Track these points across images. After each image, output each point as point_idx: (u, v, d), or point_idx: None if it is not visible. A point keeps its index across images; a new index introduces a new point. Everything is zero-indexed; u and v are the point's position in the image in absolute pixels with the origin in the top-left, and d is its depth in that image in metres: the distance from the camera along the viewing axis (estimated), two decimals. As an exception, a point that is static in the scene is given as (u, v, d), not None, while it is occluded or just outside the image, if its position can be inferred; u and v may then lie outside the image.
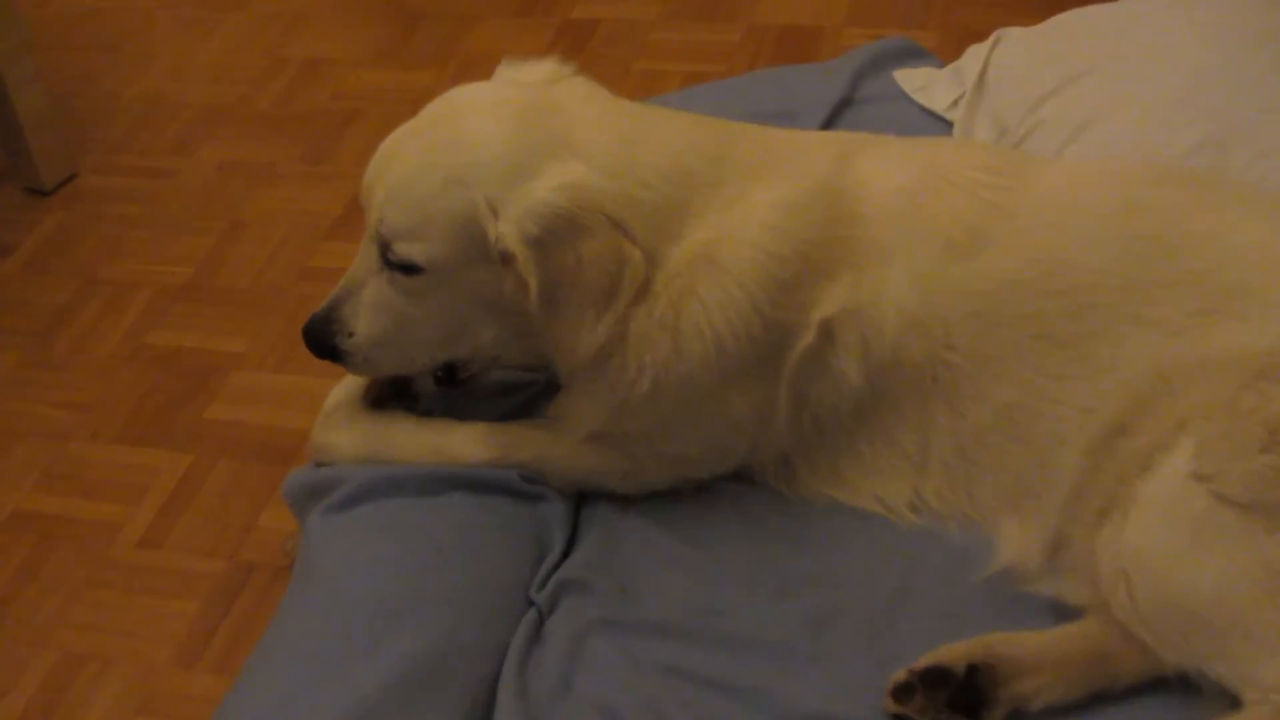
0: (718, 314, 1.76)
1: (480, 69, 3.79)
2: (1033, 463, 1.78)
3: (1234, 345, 1.66)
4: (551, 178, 1.71)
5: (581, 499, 1.96)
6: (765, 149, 1.86)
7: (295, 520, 2.02)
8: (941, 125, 2.52)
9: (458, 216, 1.74)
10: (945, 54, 2.79)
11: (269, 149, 3.62)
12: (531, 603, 1.83)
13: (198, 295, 3.15)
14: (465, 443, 1.92)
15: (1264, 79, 2.16)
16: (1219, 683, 1.57)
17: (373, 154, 1.86)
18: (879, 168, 1.85)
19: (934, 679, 1.64)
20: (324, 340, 1.88)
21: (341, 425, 1.98)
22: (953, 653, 1.65)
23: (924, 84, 2.61)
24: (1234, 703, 1.57)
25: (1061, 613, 1.72)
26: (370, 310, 1.85)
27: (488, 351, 1.90)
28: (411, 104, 1.93)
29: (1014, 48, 2.52)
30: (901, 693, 1.65)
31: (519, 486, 1.91)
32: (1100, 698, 1.66)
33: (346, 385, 2.03)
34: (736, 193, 1.79)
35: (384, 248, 1.79)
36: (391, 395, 2.03)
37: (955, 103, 2.53)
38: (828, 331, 1.79)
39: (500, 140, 1.75)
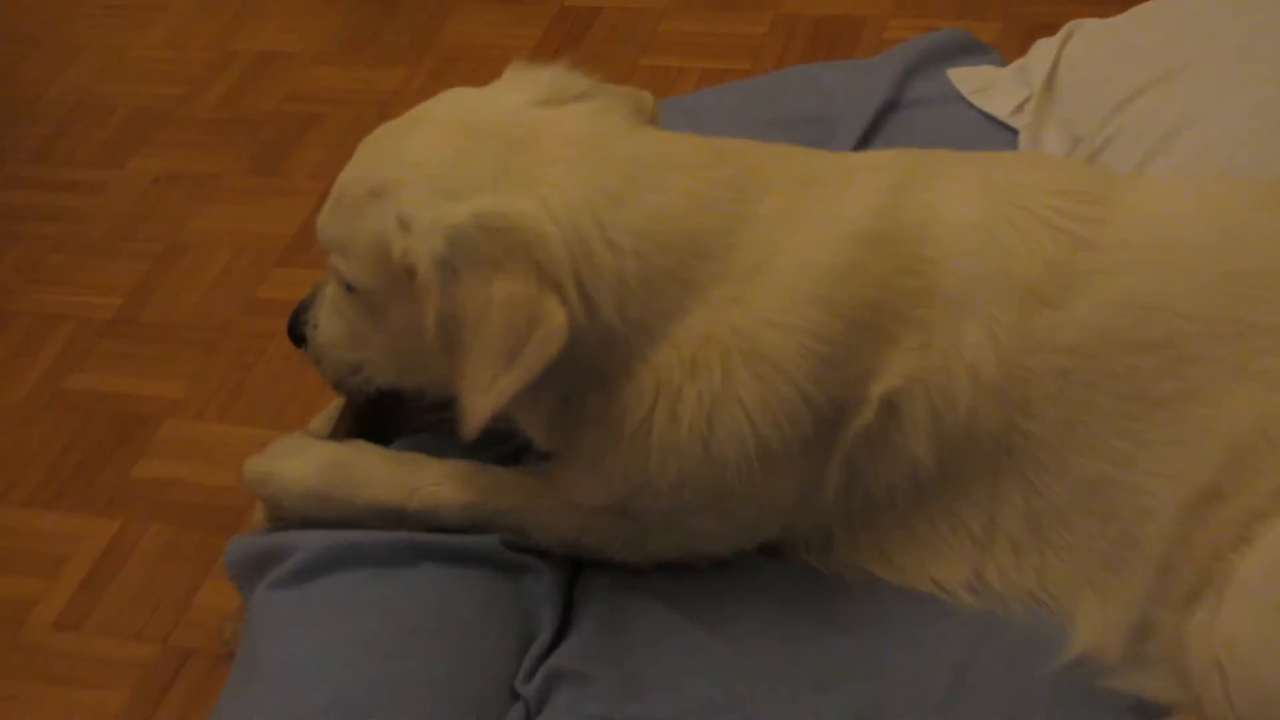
0: (762, 417, 1.75)
1: (461, 66, 3.83)
2: (1116, 538, 1.78)
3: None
4: (479, 205, 1.70)
5: (576, 571, 1.96)
6: (801, 188, 1.84)
7: (238, 596, 2.01)
8: (1004, 134, 2.52)
9: (373, 235, 1.77)
10: (1008, 50, 2.81)
11: (212, 159, 3.65)
12: (517, 697, 1.82)
13: (127, 331, 3.16)
14: (441, 480, 1.92)
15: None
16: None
17: (334, 165, 1.88)
18: (944, 198, 1.84)
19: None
20: (296, 325, 1.99)
21: (292, 451, 1.97)
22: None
23: (983, 85, 2.62)
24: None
25: (1145, 711, 1.72)
26: (328, 310, 1.95)
27: (446, 390, 1.90)
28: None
29: (1089, 42, 2.53)
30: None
31: (502, 556, 1.90)
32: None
33: (312, 424, 2.06)
34: (763, 255, 1.77)
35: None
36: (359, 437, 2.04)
37: (1020, 107, 2.53)
38: (891, 406, 1.78)
39: (439, 161, 1.76)
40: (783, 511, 1.88)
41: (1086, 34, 2.55)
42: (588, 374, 1.77)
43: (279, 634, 1.86)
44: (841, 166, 1.91)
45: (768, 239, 1.77)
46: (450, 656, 1.82)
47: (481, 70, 3.75)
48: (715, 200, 1.78)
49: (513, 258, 1.68)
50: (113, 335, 3.15)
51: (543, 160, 1.75)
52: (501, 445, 2.02)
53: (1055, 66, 2.51)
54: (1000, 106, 2.56)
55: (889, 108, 2.61)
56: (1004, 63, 2.71)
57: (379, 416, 2.09)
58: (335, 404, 2.12)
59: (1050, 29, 2.63)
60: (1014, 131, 2.51)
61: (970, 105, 2.60)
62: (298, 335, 2.01)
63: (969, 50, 2.78)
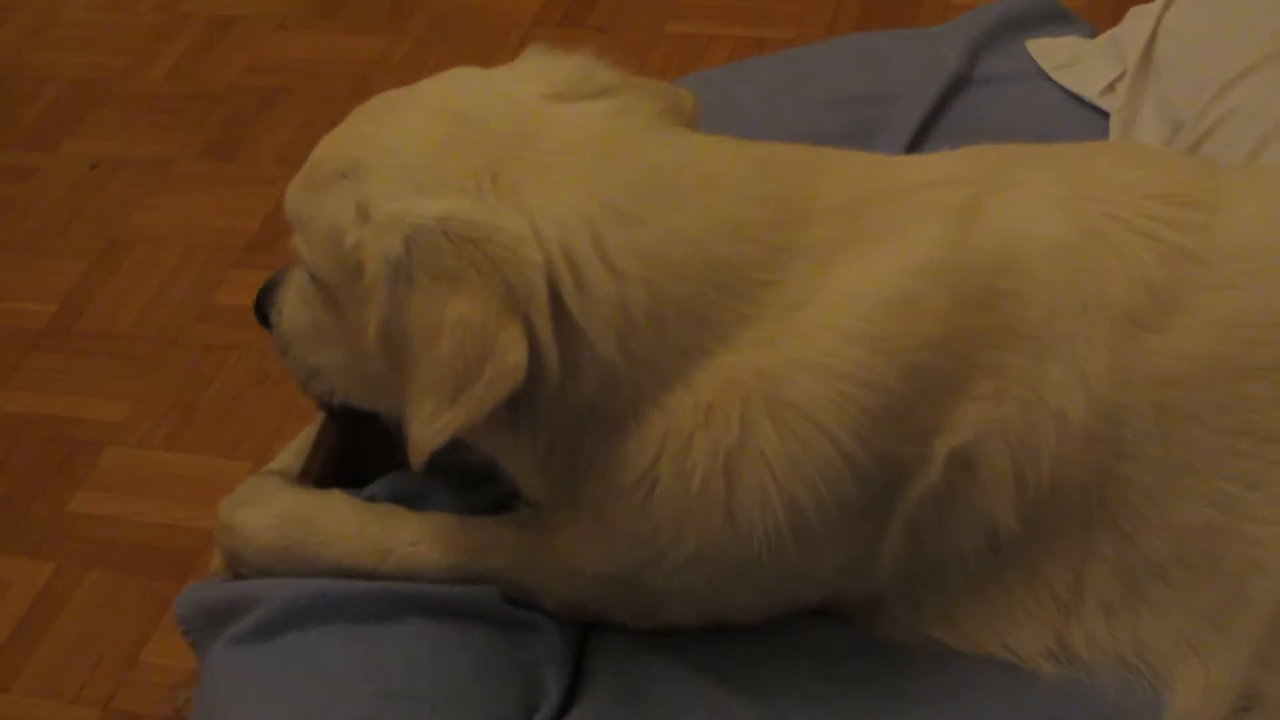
0: (790, 476, 1.72)
1: (451, 33, 3.85)
2: (1222, 594, 1.79)
3: None
4: (449, 206, 1.69)
5: (587, 627, 1.97)
6: (856, 214, 1.81)
7: (191, 654, 2.02)
8: (1092, 117, 2.53)
9: (331, 219, 1.78)
10: (1099, 18, 2.81)
11: (160, 141, 3.67)
12: (518, 773, 1.84)
13: (61, 343, 3.18)
14: (419, 540, 1.93)
15: None
16: None
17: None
18: (1023, 215, 1.81)
19: None
20: (261, 303, 2.03)
21: (253, 498, 2.00)
22: None
23: (1069, 59, 2.62)
24: None
25: (1246, 791, 1.73)
26: (294, 296, 1.98)
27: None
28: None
29: (1194, 10, 2.52)
30: None
31: (500, 611, 1.91)
32: None
33: (280, 456, 2.06)
34: (804, 291, 1.75)
35: None
36: (333, 477, 2.06)
37: (1112, 86, 2.53)
38: (963, 463, 1.77)
39: (419, 149, 1.77)
40: (825, 583, 1.89)
41: (1190, 1, 2.55)
42: (587, 415, 1.76)
43: (240, 699, 1.87)
44: (904, 183, 1.86)
45: (809, 277, 1.75)
46: (441, 727, 1.83)
47: (475, 38, 3.81)
48: (749, 226, 1.75)
49: (478, 274, 1.65)
50: (45, 348, 3.17)
51: (540, 165, 1.73)
52: (498, 484, 2.02)
53: (1153, 38, 2.51)
54: (1088, 85, 2.57)
55: (957, 85, 2.62)
56: (1093, 33, 2.71)
57: (358, 448, 2.11)
58: (306, 432, 2.13)
59: (1147, -6, 2.63)
60: (1104, 114, 2.52)
61: (1053, 83, 2.61)
62: (263, 315, 2.06)
63: (1052, 18, 2.78)
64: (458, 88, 1.88)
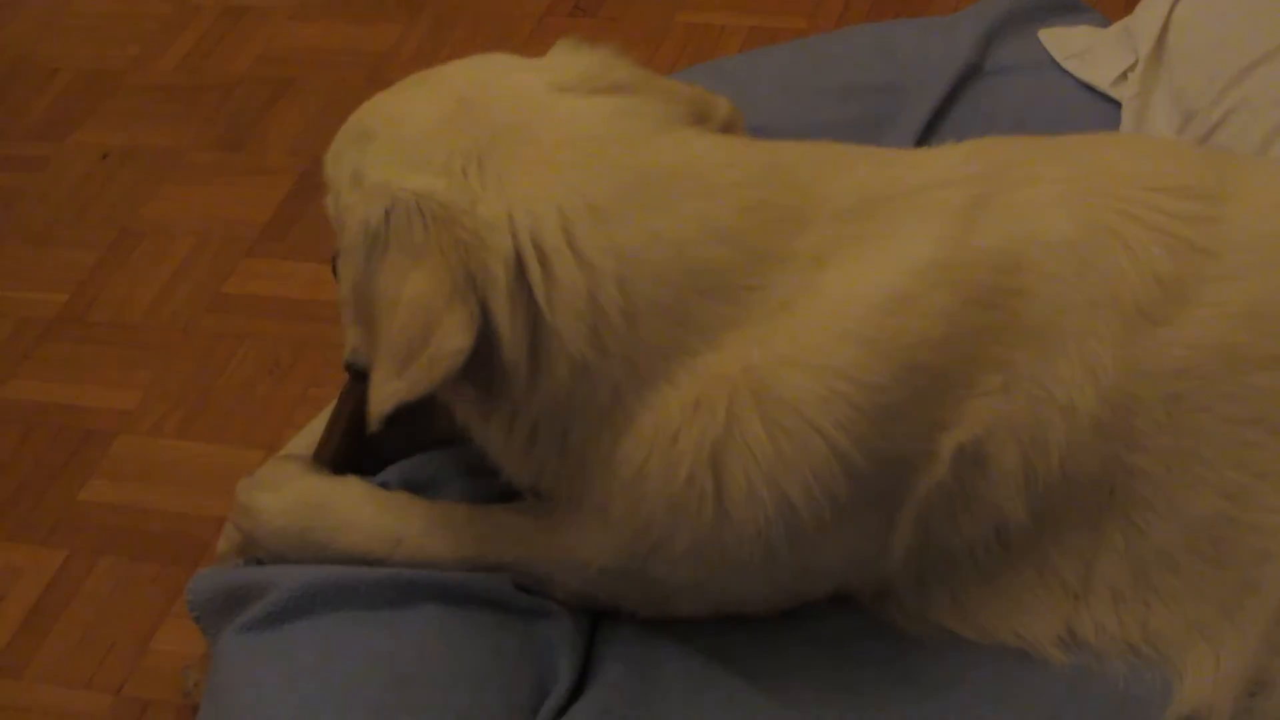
0: (781, 473, 1.73)
1: (461, 24, 3.85)
2: (1232, 583, 1.80)
3: None
4: (426, 184, 1.73)
5: (597, 615, 1.98)
6: (855, 218, 1.81)
7: (203, 640, 2.03)
8: (1104, 106, 2.52)
9: (338, 179, 1.87)
10: (1111, 8, 2.81)
11: (171, 131, 3.67)
12: (530, 758, 1.84)
13: (72, 332, 3.18)
14: (431, 530, 1.94)
15: None
16: None
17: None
18: (1030, 213, 1.82)
19: None
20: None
21: (270, 482, 2.01)
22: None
23: (1081, 49, 2.62)
24: None
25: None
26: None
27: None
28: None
29: (1205, 1, 2.51)
30: None
31: (512, 597, 1.92)
32: None
33: (298, 440, 2.07)
34: (792, 294, 1.76)
35: None
36: (350, 453, 2.06)
37: (1124, 75, 2.53)
38: (972, 458, 1.78)
39: (418, 126, 1.82)
40: (833, 575, 1.90)
41: (1203, -12, 2.56)
42: (565, 404, 1.78)
43: (251, 685, 1.87)
44: (907, 185, 1.85)
45: (799, 281, 1.76)
46: (452, 712, 1.83)
47: (487, 28, 3.81)
48: (735, 233, 1.76)
49: (441, 254, 1.69)
50: (57, 337, 3.18)
51: (529, 156, 1.76)
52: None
53: (1165, 28, 2.50)
54: (1100, 75, 2.57)
55: (970, 74, 2.61)
56: (1105, 23, 2.71)
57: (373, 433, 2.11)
58: (324, 413, 2.14)
59: (1159, -16, 2.63)
60: (1116, 104, 2.51)
61: (1065, 73, 2.60)
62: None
63: (1064, 8, 2.78)
64: (475, 72, 1.90)
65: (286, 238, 3.31)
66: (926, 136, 2.49)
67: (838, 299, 1.74)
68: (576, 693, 1.92)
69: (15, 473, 2.91)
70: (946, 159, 1.91)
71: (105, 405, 3.01)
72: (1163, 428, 1.78)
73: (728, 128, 1.93)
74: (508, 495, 2.00)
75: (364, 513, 1.96)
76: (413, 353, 1.70)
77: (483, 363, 1.73)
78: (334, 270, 1.94)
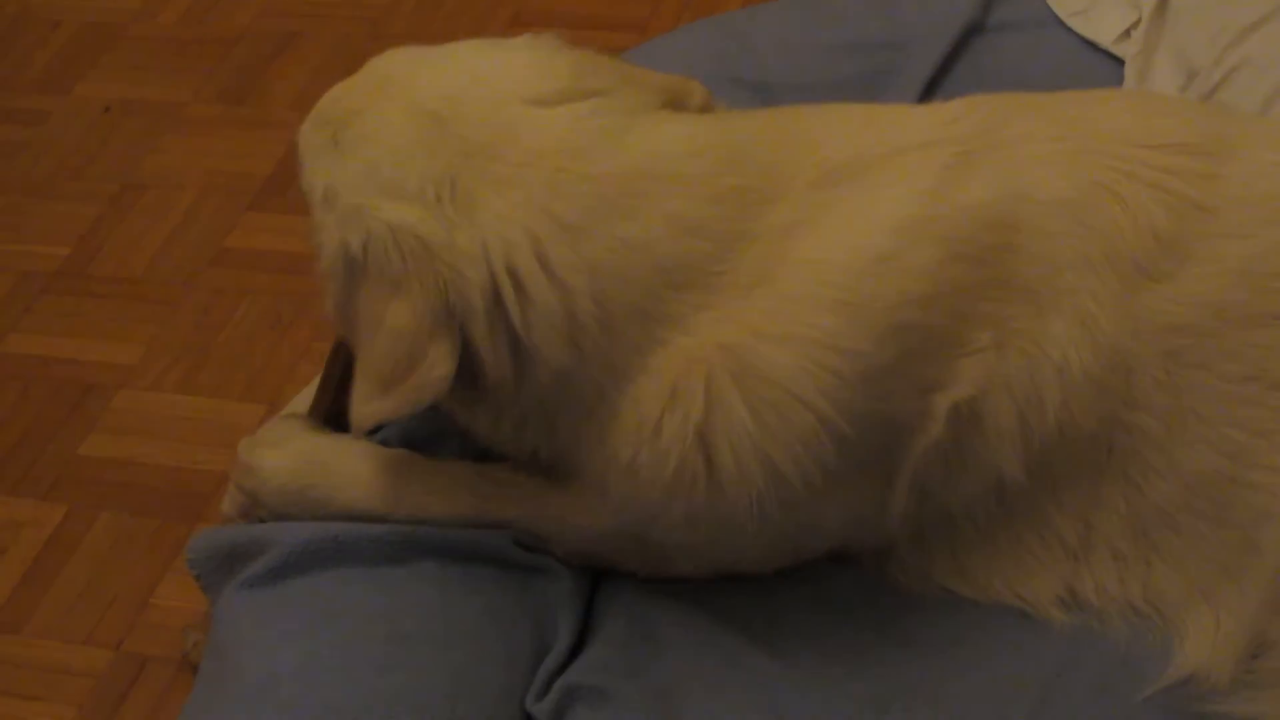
0: (769, 445, 1.73)
1: (468, -24, 3.83)
2: (1232, 543, 1.80)
3: None
4: (402, 217, 1.72)
5: (598, 572, 1.98)
6: (828, 185, 1.79)
7: (204, 597, 2.03)
8: (1107, 64, 2.52)
9: (308, 182, 1.85)
10: (1114, -36, 2.79)
11: (174, 85, 3.66)
12: (529, 717, 1.84)
13: (74, 285, 3.18)
14: (431, 488, 1.94)
15: None
16: None
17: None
18: (1022, 169, 1.81)
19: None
20: None
21: (272, 440, 2.01)
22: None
23: (1084, 6, 2.61)
24: None
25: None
26: None
27: None
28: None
29: (1209, -43, 2.52)
30: None
31: (511, 554, 1.92)
32: None
33: (300, 398, 2.08)
34: (760, 270, 1.75)
35: None
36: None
37: (1127, 33, 2.52)
38: (968, 416, 1.78)
39: (391, 146, 1.79)
40: (831, 535, 1.90)
41: (1207, -54, 2.54)
42: (551, 401, 1.80)
43: (252, 641, 1.88)
44: (889, 145, 1.84)
45: (769, 254, 1.75)
46: (452, 669, 1.84)
47: (486, -18, 3.79)
48: (703, 224, 1.75)
49: (420, 286, 1.71)
50: (58, 290, 3.17)
51: (497, 176, 1.75)
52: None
53: (1169, -15, 2.51)
54: (1103, 32, 2.56)
55: (972, 31, 2.60)
56: (1108, -21, 2.70)
57: None
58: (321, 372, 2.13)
59: (1165, -61, 2.61)
60: (1119, 61, 2.51)
61: (1068, 29, 2.59)
62: None
63: (1067, -36, 2.76)
64: (446, 81, 1.85)
65: (289, 191, 3.30)
66: (928, 93, 2.48)
67: (813, 266, 1.73)
68: (576, 650, 1.92)
69: (16, 427, 2.91)
70: (932, 117, 1.89)
71: (106, 359, 3.01)
72: (1161, 385, 1.78)
73: (704, 108, 1.92)
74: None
75: (364, 470, 1.96)
76: (396, 377, 1.74)
77: (467, 371, 1.75)
78: None
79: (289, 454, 1.98)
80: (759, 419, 1.71)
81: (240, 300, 3.11)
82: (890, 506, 1.83)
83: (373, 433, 2.03)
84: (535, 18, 3.63)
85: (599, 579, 1.98)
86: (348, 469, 1.96)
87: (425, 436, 2.01)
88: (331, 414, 2.04)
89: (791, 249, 1.74)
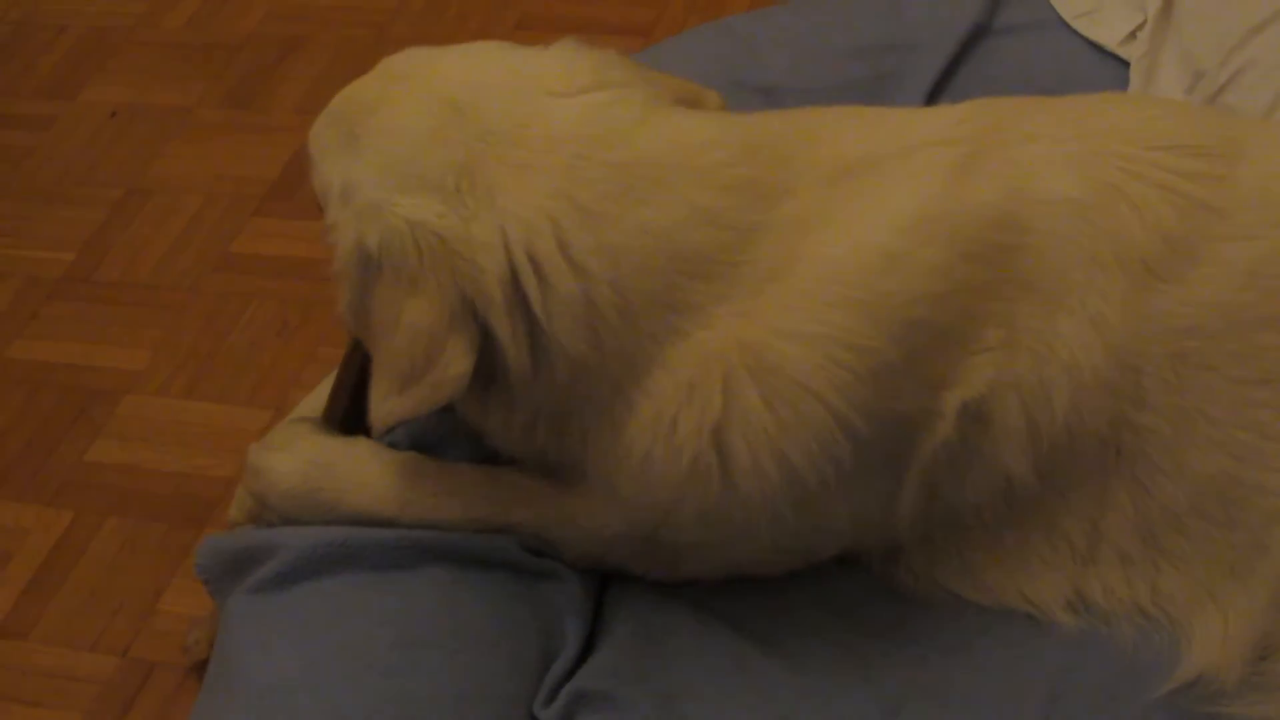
0: (784, 442, 1.74)
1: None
2: (1241, 544, 1.80)
3: None
4: (420, 212, 1.73)
5: (606, 577, 1.99)
6: (839, 180, 1.80)
7: (211, 602, 2.04)
8: (1113, 66, 2.51)
9: (323, 180, 1.85)
10: (1119, -34, 2.79)
11: (180, 89, 3.66)
12: (536, 722, 1.85)
13: (80, 291, 3.18)
14: (439, 491, 1.94)
15: None
16: None
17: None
18: (1030, 169, 1.81)
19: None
20: None
21: (280, 443, 2.01)
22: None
23: (1089, 8, 2.61)
24: None
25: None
26: None
27: None
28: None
29: (1214, -41, 2.52)
30: None
31: (519, 559, 1.92)
32: None
33: (308, 402, 2.08)
34: (778, 264, 1.76)
35: None
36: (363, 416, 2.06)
37: (1132, 35, 2.52)
38: (976, 415, 1.78)
39: (408, 137, 1.80)
40: (841, 534, 1.90)
41: (1213, -52, 2.54)
42: (566, 397, 1.79)
43: (259, 646, 1.88)
44: (898, 146, 1.85)
45: (783, 248, 1.76)
46: (459, 674, 1.84)
47: (492, -13, 3.79)
48: (721, 213, 1.76)
49: (436, 282, 1.71)
50: (64, 296, 3.18)
51: (517, 163, 1.75)
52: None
53: (1175, -14, 2.51)
54: (1108, 34, 2.56)
55: (978, 34, 2.60)
56: (1114, -18, 2.70)
57: None
58: (331, 376, 2.13)
59: (1170, -59, 2.61)
60: (1124, 64, 2.50)
61: (1073, 32, 2.59)
62: None
63: (1073, -34, 2.76)
64: (466, 70, 1.87)
65: (294, 196, 3.30)
66: (935, 96, 2.48)
67: (827, 263, 1.74)
68: (585, 655, 1.92)
69: (22, 433, 2.91)
70: (940, 119, 1.90)
71: (112, 365, 3.01)
72: (1170, 387, 1.78)
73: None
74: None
75: (372, 473, 1.96)
76: (414, 374, 1.74)
77: (482, 366, 1.75)
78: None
79: (297, 457, 1.98)
80: (775, 415, 1.72)
81: (246, 305, 3.11)
82: (899, 506, 1.84)
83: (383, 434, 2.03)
84: (540, 22, 3.63)
85: (607, 583, 1.99)
86: (356, 472, 1.96)
87: (434, 440, 2.01)
88: (347, 419, 2.04)
89: (805, 243, 1.75)
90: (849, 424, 1.73)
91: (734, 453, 1.74)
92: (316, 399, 2.13)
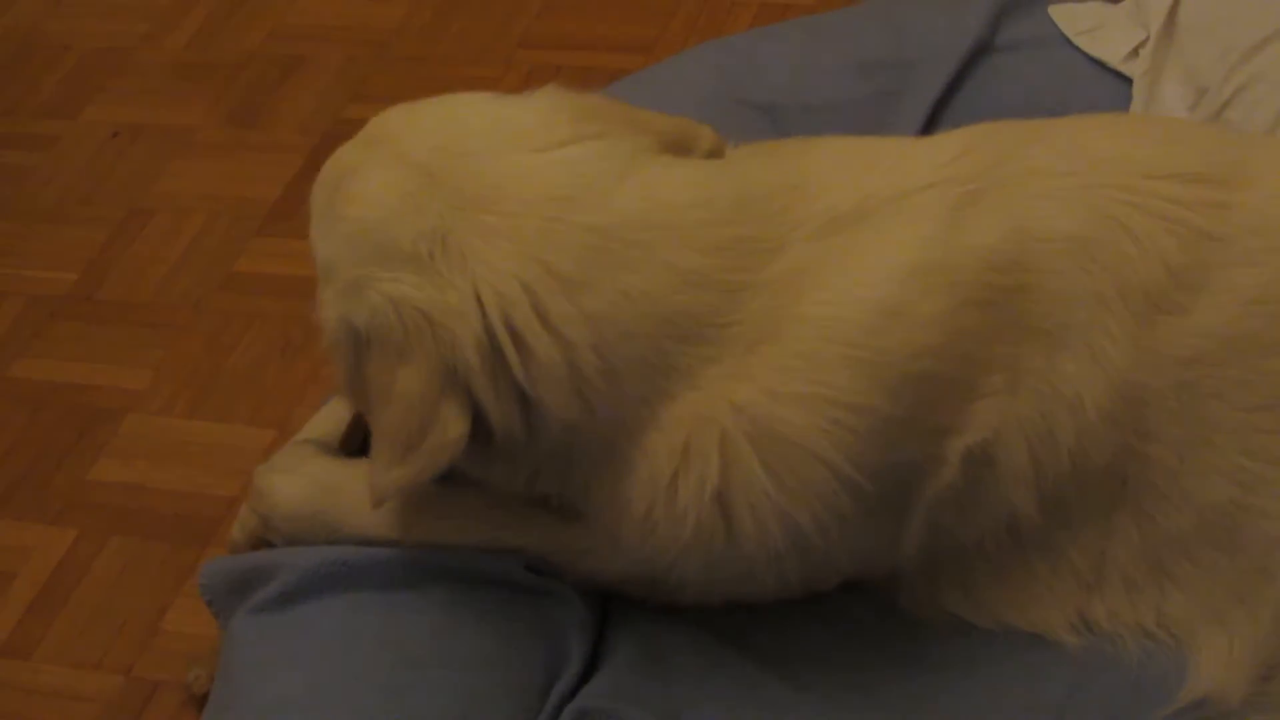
0: (787, 503, 1.73)
1: (470, 2, 3.84)
2: (1246, 569, 1.80)
3: None
4: (398, 288, 1.71)
5: (609, 596, 1.98)
6: (831, 233, 1.78)
7: (213, 620, 2.04)
8: (1115, 83, 2.52)
9: (313, 245, 1.85)
10: (1122, -17, 2.79)
11: (182, 109, 3.66)
12: (540, 741, 1.84)
13: (82, 310, 3.18)
14: (442, 516, 1.95)
15: None
16: None
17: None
18: (1027, 207, 1.79)
19: None
20: None
21: (286, 465, 2.02)
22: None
23: (1092, 25, 2.61)
24: None
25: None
26: None
27: None
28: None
29: (1217, -26, 2.52)
30: None
31: (521, 578, 1.92)
32: None
33: (313, 424, 2.10)
34: (769, 325, 1.74)
35: None
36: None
37: (1135, 51, 2.52)
38: (981, 459, 1.77)
39: (383, 206, 1.77)
40: (843, 571, 1.90)
41: (1215, -36, 2.54)
42: (563, 454, 1.79)
43: (263, 666, 1.89)
44: (892, 189, 1.81)
45: (776, 307, 1.73)
46: (462, 694, 1.84)
47: (494, 8, 3.79)
48: (708, 273, 1.74)
49: (423, 351, 1.70)
50: (66, 315, 3.17)
51: (490, 228, 1.72)
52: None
53: (1176, 3, 2.50)
54: (1111, 51, 2.56)
55: (980, 51, 2.60)
56: (1117, -1, 2.70)
57: None
58: (338, 399, 2.13)
59: (1172, -43, 2.61)
60: (1127, 80, 2.51)
61: (1076, 49, 2.59)
62: None
63: (1076, -17, 2.76)
64: (443, 129, 1.84)
65: (297, 216, 3.25)
66: (937, 113, 2.49)
67: (822, 322, 1.72)
68: (588, 674, 1.92)
69: (25, 452, 2.91)
70: (936, 155, 1.87)
71: (115, 384, 3.01)
72: (1175, 416, 1.78)
73: (713, 153, 1.90)
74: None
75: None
76: (412, 443, 1.73)
77: (482, 429, 1.74)
78: None
79: (301, 479, 1.99)
80: (778, 480, 1.71)
81: (249, 325, 3.11)
82: (902, 544, 1.84)
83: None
84: (542, 40, 3.63)
85: (609, 602, 1.98)
86: (359, 495, 1.93)
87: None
88: (365, 448, 2.04)
89: (799, 300, 1.73)
90: (852, 482, 1.72)
91: (738, 517, 1.74)
92: (322, 421, 2.13)
